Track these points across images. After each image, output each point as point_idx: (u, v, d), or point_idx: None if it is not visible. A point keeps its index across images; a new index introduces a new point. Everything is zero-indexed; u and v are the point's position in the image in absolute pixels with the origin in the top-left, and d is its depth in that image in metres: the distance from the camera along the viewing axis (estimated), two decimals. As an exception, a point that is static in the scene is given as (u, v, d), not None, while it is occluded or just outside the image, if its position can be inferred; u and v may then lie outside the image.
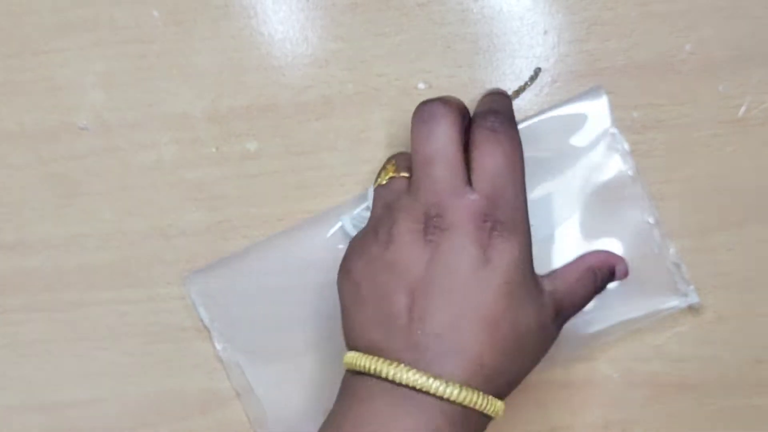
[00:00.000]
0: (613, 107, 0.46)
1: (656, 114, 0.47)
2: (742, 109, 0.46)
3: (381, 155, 0.47)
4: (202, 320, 0.48)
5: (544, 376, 0.48)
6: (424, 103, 0.40)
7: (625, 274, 0.45)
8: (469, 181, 0.38)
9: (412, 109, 0.40)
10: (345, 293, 0.40)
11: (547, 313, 0.39)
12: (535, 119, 0.45)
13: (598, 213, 0.47)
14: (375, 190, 0.43)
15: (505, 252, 0.37)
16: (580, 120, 0.46)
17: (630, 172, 0.46)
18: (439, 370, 0.35)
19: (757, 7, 0.46)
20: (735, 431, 0.48)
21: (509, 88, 0.47)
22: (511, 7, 0.47)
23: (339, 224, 0.47)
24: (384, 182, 0.42)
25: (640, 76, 0.46)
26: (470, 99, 0.47)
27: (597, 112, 0.46)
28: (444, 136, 0.39)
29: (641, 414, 0.48)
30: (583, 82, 0.47)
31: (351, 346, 0.39)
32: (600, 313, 0.46)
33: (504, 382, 0.37)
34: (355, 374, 0.38)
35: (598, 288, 0.43)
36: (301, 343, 0.47)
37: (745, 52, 0.46)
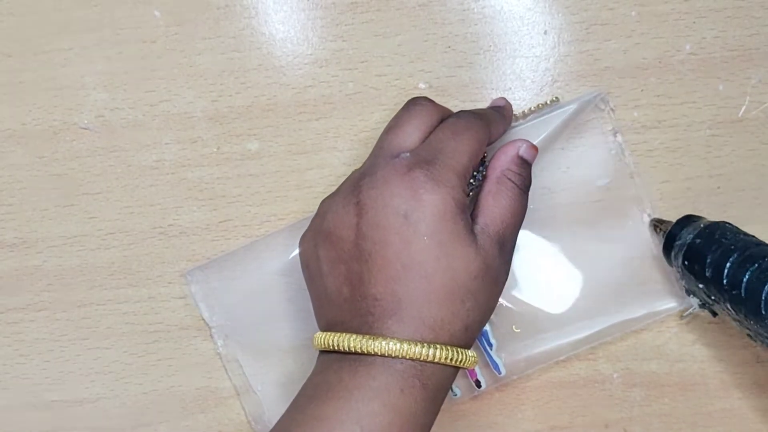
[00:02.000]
0: (613, 107, 0.46)
1: (656, 114, 0.47)
2: (742, 109, 0.46)
3: (381, 155, 0.47)
4: (202, 317, 0.48)
5: (544, 376, 0.48)
6: (415, 97, 0.41)
7: (533, 149, 0.40)
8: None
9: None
10: (305, 276, 0.40)
11: (487, 252, 0.37)
12: (537, 119, 0.45)
13: (597, 213, 0.47)
14: None
15: (429, 204, 0.36)
16: (581, 120, 0.46)
17: (630, 172, 0.46)
18: (383, 332, 0.35)
19: (757, 7, 0.46)
20: (734, 431, 0.48)
21: (510, 88, 0.47)
22: (512, 7, 0.47)
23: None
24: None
25: (640, 76, 0.46)
26: (470, 99, 0.47)
27: (598, 112, 0.46)
28: (411, 115, 0.40)
29: (641, 414, 0.48)
30: (583, 82, 0.47)
31: (319, 327, 0.39)
32: (599, 314, 0.46)
33: (458, 330, 0.36)
34: (323, 353, 0.38)
35: (521, 185, 0.39)
36: (300, 340, 0.47)
37: (744, 52, 0.46)
